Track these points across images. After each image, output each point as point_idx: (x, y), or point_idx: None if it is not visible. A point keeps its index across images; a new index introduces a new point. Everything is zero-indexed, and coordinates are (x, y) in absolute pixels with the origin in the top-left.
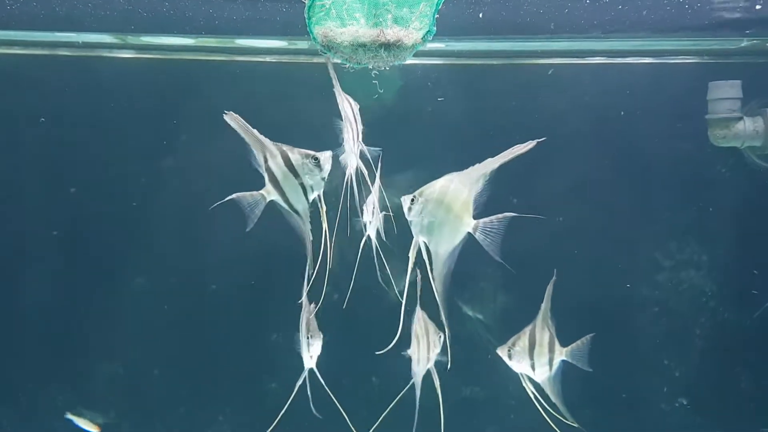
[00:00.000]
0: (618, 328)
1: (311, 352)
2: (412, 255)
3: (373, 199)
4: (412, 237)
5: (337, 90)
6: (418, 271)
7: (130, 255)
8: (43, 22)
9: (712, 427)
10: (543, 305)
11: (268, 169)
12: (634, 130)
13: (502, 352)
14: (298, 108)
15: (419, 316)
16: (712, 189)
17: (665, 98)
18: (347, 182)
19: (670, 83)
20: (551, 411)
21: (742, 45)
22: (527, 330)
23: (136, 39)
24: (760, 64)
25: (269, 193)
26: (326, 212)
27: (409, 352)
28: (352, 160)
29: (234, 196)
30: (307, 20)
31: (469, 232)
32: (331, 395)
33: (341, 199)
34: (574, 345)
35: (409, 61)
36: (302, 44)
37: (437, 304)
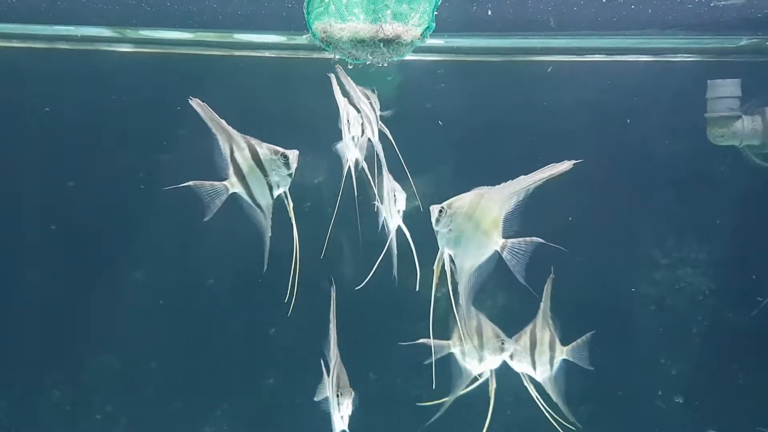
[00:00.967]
0: (615, 326)
1: (342, 412)
2: (437, 267)
3: (389, 187)
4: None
5: (336, 91)
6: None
7: (128, 249)
8: (43, 16)
9: (708, 425)
10: (542, 304)
11: (234, 161)
12: (632, 128)
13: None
14: (296, 102)
15: (474, 313)
16: (711, 187)
17: (664, 96)
18: (346, 174)
19: (669, 81)
20: (547, 410)
21: (742, 44)
22: (528, 329)
23: (135, 33)
24: (759, 62)
25: (233, 185)
26: (293, 208)
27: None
28: (351, 153)
29: (192, 183)
30: (306, 16)
31: (497, 251)
32: None
33: (341, 192)
34: (574, 343)
35: (408, 57)
36: (301, 39)
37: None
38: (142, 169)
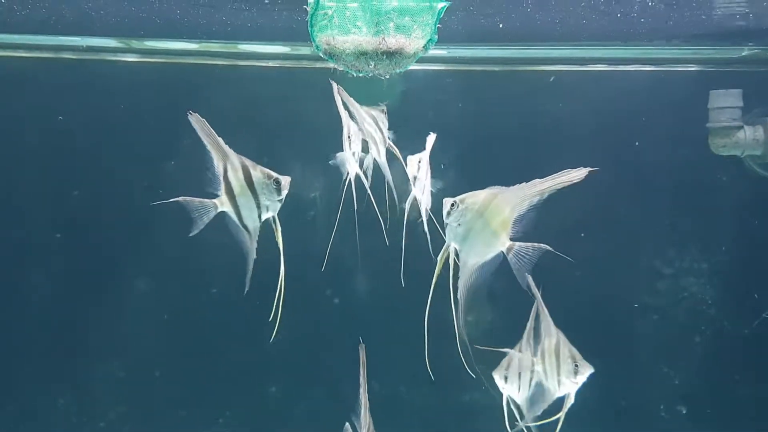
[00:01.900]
0: (618, 336)
1: None
2: (441, 258)
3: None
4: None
5: (338, 102)
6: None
7: (132, 258)
8: (52, 27)
9: None
10: (529, 324)
11: (226, 180)
12: (634, 138)
13: (497, 376)
14: (300, 112)
15: (553, 332)
16: (713, 197)
17: (666, 106)
18: (345, 187)
19: (671, 91)
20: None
21: (743, 54)
22: (515, 350)
23: (140, 43)
24: (760, 73)
25: (222, 204)
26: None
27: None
28: (351, 167)
29: (181, 199)
30: (309, 28)
31: (502, 252)
32: None
33: (340, 205)
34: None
35: (410, 67)
36: (305, 50)
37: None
38: (147, 178)
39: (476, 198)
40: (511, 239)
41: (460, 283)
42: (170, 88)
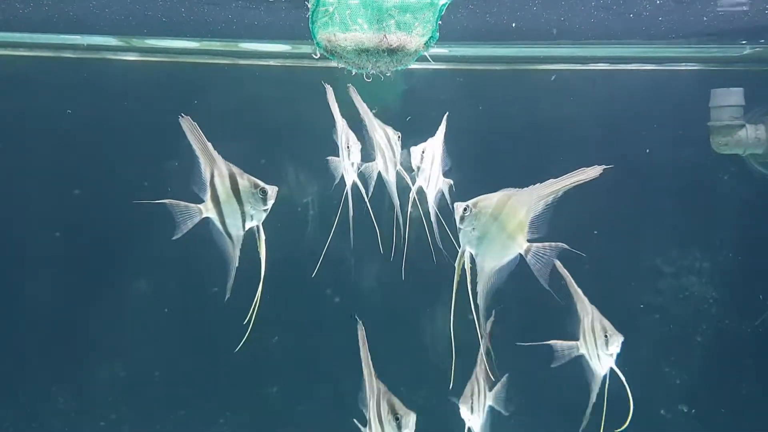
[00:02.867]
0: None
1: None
2: (458, 265)
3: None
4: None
5: (333, 106)
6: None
7: (133, 258)
8: (54, 25)
9: None
10: (481, 349)
11: (213, 186)
12: (636, 137)
13: (464, 407)
14: (301, 111)
15: (589, 309)
16: (714, 196)
17: (667, 105)
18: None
19: (673, 90)
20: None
21: (745, 52)
22: (473, 378)
23: (141, 42)
24: (762, 71)
25: (207, 210)
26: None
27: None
28: (348, 176)
29: (167, 201)
30: (310, 25)
31: (520, 254)
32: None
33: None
34: (495, 388)
35: (412, 66)
36: (306, 48)
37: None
38: (147, 177)
39: (489, 201)
40: (528, 240)
41: (479, 288)
42: (171, 87)
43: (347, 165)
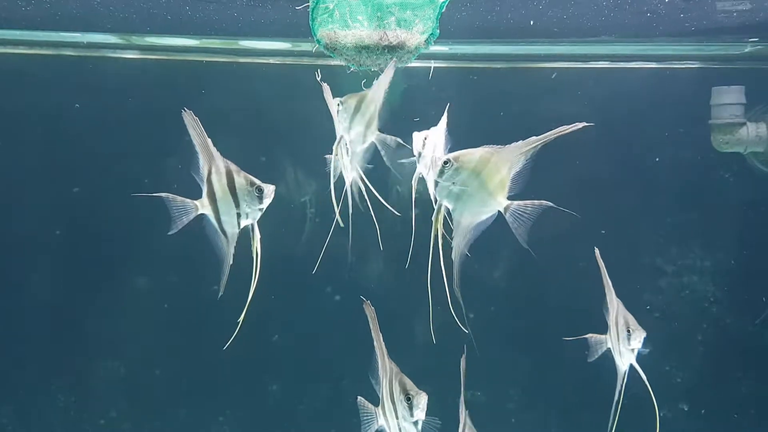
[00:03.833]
0: None
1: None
2: (436, 219)
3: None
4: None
5: (332, 107)
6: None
7: (133, 255)
8: (57, 23)
9: None
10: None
11: (209, 183)
12: (636, 135)
13: None
14: (301, 109)
15: (614, 303)
16: (715, 194)
17: (668, 103)
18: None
19: (674, 88)
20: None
21: (746, 50)
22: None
23: (141, 39)
24: (763, 69)
25: (203, 206)
26: (260, 240)
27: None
28: (347, 174)
29: (164, 195)
30: (311, 23)
31: (499, 212)
32: None
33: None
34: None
35: (412, 64)
36: (306, 46)
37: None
38: (147, 175)
39: (471, 156)
40: (508, 198)
41: (455, 244)
42: (170, 85)
43: (346, 162)
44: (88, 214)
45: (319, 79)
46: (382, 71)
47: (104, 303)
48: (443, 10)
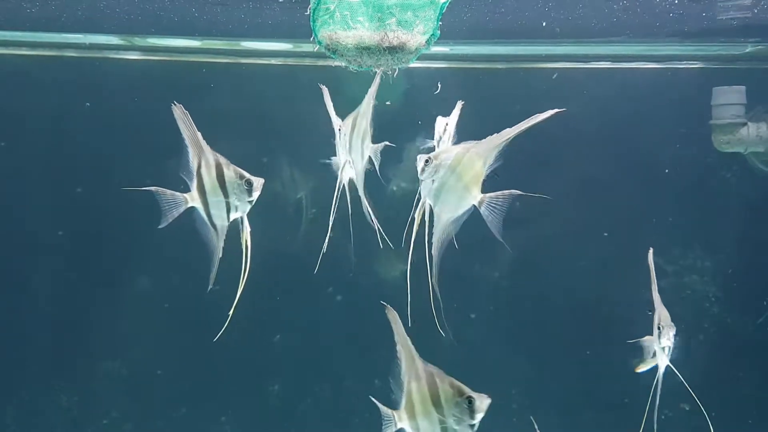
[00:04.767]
0: (620, 332)
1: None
2: (417, 215)
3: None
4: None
5: (331, 110)
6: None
7: (135, 255)
8: (62, 25)
9: None
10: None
11: (199, 176)
12: (637, 135)
13: None
14: (302, 110)
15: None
16: (716, 194)
17: (669, 103)
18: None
19: (675, 88)
20: None
21: (747, 50)
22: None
23: (143, 41)
24: (764, 69)
25: (193, 199)
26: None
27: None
28: (346, 170)
29: (154, 189)
30: (311, 24)
31: (474, 206)
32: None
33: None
34: None
35: (413, 65)
36: (307, 47)
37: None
38: (149, 175)
39: (449, 153)
40: (482, 192)
41: (434, 239)
42: (173, 86)
43: (343, 160)
44: (91, 215)
45: (325, 88)
46: (384, 72)
47: (106, 303)
48: (444, 11)
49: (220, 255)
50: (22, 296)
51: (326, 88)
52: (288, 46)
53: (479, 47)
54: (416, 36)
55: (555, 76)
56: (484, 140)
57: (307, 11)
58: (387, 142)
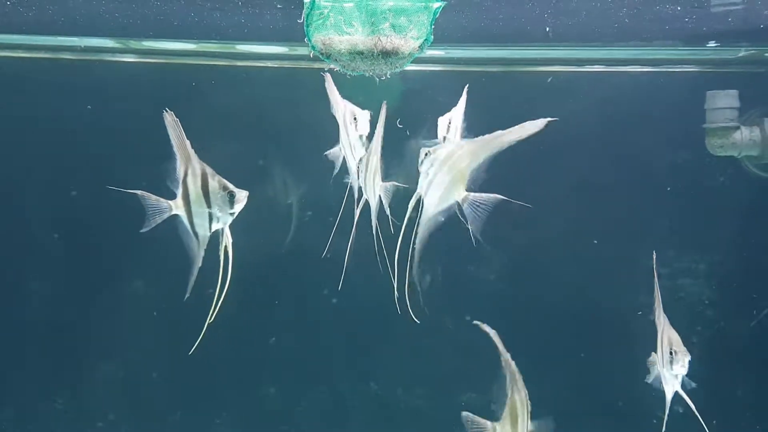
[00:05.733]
0: (614, 336)
1: None
2: (411, 205)
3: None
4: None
5: (335, 96)
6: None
7: (130, 258)
8: (59, 28)
9: None
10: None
11: (185, 184)
12: (632, 139)
13: None
14: (298, 113)
15: (661, 321)
16: (710, 198)
17: (663, 107)
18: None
19: (668, 92)
20: None
21: (740, 54)
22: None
23: (138, 43)
24: (757, 73)
25: (177, 207)
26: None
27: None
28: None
29: (139, 193)
30: (305, 28)
31: (457, 202)
32: None
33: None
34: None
35: (408, 68)
36: (303, 50)
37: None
38: (144, 179)
39: (445, 149)
40: (468, 190)
41: (419, 231)
42: (169, 89)
43: (349, 154)
44: (86, 218)
45: (322, 72)
46: (377, 76)
47: (102, 306)
48: (437, 16)
49: (200, 264)
50: (18, 299)
51: (329, 75)
52: (283, 50)
53: (474, 51)
54: (410, 41)
55: (549, 80)
56: (477, 138)
57: (301, 18)
58: (396, 183)
